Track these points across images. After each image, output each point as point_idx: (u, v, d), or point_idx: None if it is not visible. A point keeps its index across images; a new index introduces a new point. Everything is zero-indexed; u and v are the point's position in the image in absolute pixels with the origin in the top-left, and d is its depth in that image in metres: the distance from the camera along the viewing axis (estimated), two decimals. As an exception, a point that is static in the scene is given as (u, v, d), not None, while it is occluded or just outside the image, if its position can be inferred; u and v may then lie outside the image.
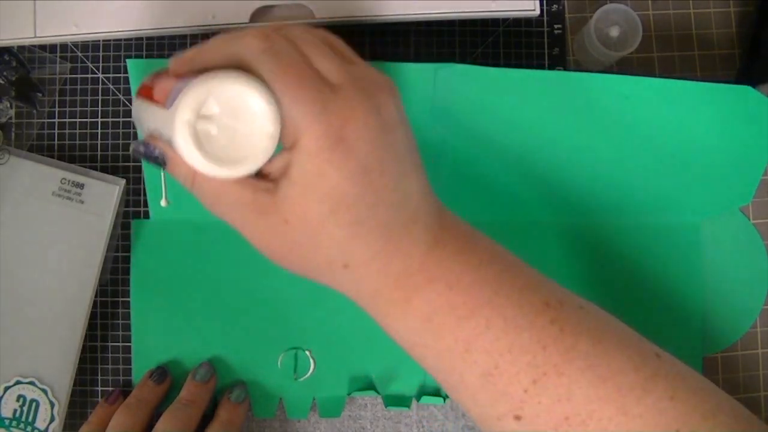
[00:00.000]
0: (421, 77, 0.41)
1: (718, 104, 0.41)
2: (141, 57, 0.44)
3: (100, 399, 0.43)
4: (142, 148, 0.29)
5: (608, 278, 0.43)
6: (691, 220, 0.43)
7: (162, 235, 0.43)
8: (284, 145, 0.26)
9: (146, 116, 0.29)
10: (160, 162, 0.28)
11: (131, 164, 0.44)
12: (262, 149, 0.25)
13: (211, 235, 0.42)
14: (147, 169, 0.42)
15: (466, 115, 0.41)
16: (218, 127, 0.25)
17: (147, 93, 0.30)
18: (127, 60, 0.40)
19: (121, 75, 0.44)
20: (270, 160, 0.26)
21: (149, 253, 0.43)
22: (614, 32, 0.42)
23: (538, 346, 0.26)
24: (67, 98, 0.44)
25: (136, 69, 0.40)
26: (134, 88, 0.41)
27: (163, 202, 0.42)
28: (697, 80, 0.41)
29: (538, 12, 0.44)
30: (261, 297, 0.43)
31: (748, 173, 0.42)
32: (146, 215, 0.43)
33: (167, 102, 0.26)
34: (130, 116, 0.44)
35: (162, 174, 0.42)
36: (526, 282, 0.28)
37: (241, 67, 0.25)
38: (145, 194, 0.43)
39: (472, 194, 0.42)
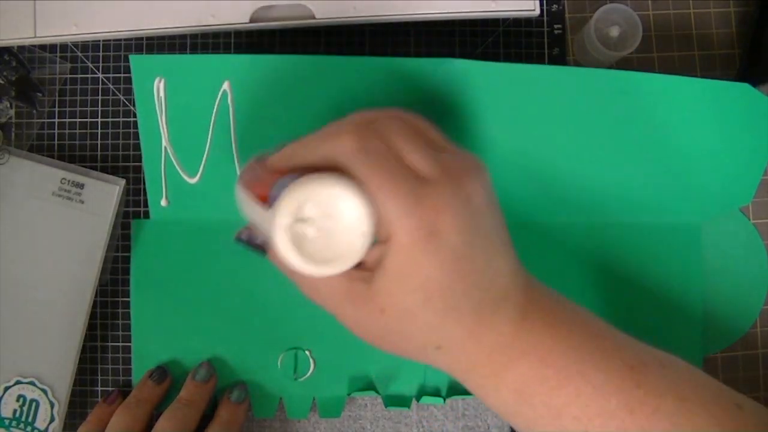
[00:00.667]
0: (422, 73, 0.41)
1: (716, 102, 0.41)
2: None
3: (99, 399, 0.43)
4: (244, 236, 0.31)
5: (608, 278, 0.43)
6: (691, 220, 0.43)
7: (162, 235, 0.43)
8: (379, 238, 0.27)
9: (247, 207, 0.31)
10: (261, 251, 0.31)
11: (131, 164, 0.44)
12: (356, 249, 0.26)
13: (211, 235, 0.42)
14: (147, 168, 0.42)
15: (466, 111, 0.41)
16: (315, 229, 0.26)
17: (245, 182, 0.31)
18: (129, 57, 0.40)
19: (121, 75, 0.44)
20: (367, 252, 0.27)
21: (149, 253, 0.43)
22: (614, 32, 0.42)
23: (625, 411, 0.27)
24: (67, 98, 0.44)
25: (138, 65, 0.41)
26: (137, 85, 0.41)
27: (163, 202, 0.42)
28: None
29: (538, 12, 0.44)
30: (261, 297, 0.43)
31: (748, 173, 0.42)
32: (146, 215, 0.43)
33: (269, 201, 0.28)
34: (130, 116, 0.44)
35: (162, 174, 0.42)
36: (611, 347, 0.29)
37: (336, 167, 0.27)
38: (145, 194, 0.43)
39: None
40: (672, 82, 0.41)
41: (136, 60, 0.41)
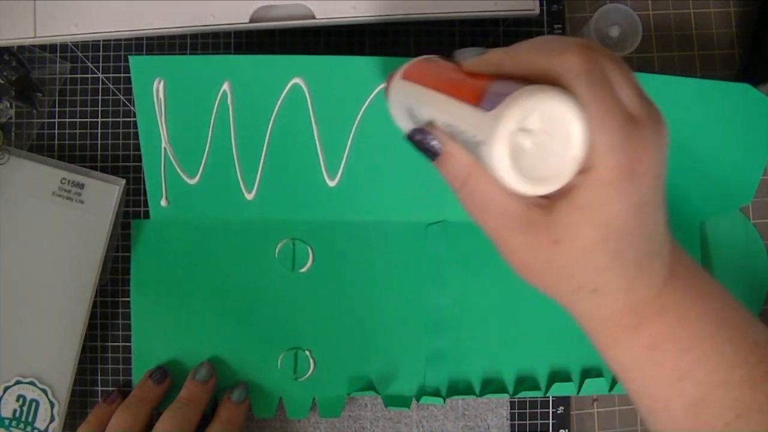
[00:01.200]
0: None
1: (716, 102, 0.41)
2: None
3: (99, 399, 0.43)
4: (419, 136, 0.29)
5: None
6: (691, 219, 0.43)
7: (162, 235, 0.43)
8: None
9: (429, 105, 0.29)
10: (432, 153, 0.28)
11: (131, 164, 0.44)
12: (566, 172, 0.25)
13: (211, 235, 0.42)
14: (147, 169, 0.42)
15: None
16: (532, 143, 0.24)
17: (422, 79, 0.29)
18: (129, 57, 0.40)
19: (121, 75, 0.44)
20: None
21: (149, 253, 0.43)
22: (614, 32, 0.42)
23: (746, 384, 0.27)
24: (67, 98, 0.44)
25: (138, 66, 0.41)
26: (137, 85, 0.41)
27: (163, 202, 0.42)
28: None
29: (538, 12, 0.44)
30: (261, 297, 0.43)
31: (748, 173, 0.42)
32: (146, 215, 0.43)
33: (482, 102, 0.25)
34: (130, 116, 0.44)
35: (162, 173, 0.42)
36: (741, 319, 0.29)
37: (554, 83, 0.25)
38: (145, 194, 0.43)
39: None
40: (671, 83, 0.41)
41: (135, 61, 0.41)
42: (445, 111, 0.28)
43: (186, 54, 0.44)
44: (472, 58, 0.29)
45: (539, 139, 0.24)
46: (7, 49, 0.43)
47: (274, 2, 0.43)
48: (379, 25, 0.44)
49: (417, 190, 0.42)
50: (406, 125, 0.32)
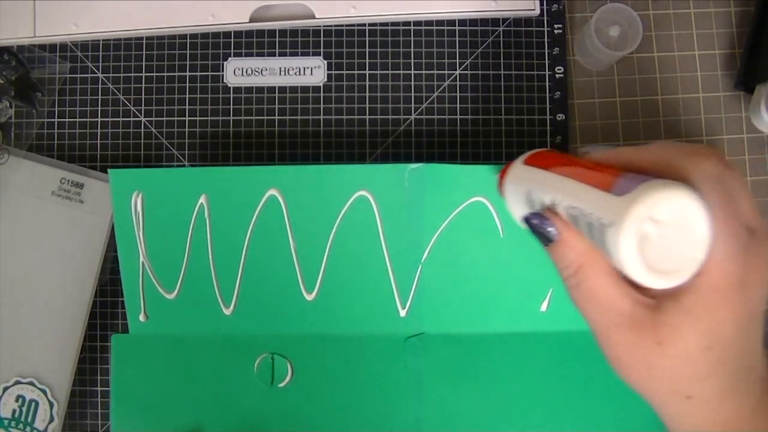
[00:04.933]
0: (394, 177, 0.40)
1: None
2: (140, 64, 0.44)
3: (99, 399, 0.42)
4: (536, 220, 0.30)
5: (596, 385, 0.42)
6: None
7: (141, 350, 0.42)
8: None
9: (553, 189, 0.30)
10: (547, 238, 0.29)
11: (131, 164, 0.44)
12: (684, 271, 0.25)
13: (189, 350, 0.42)
14: (126, 283, 0.41)
15: (439, 215, 0.41)
16: (659, 235, 0.25)
17: (548, 165, 0.30)
18: (108, 171, 0.40)
19: (121, 75, 0.44)
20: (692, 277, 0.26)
21: (129, 367, 0.42)
22: (614, 32, 0.42)
23: None
24: (67, 98, 0.44)
25: (117, 180, 0.40)
26: (115, 198, 0.40)
27: (141, 317, 0.41)
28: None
29: (538, 12, 0.44)
30: (240, 413, 0.42)
31: None
32: (125, 328, 0.42)
33: (614, 189, 0.26)
34: (130, 116, 0.44)
35: (141, 288, 0.41)
36: None
37: (681, 181, 0.26)
38: (123, 306, 0.42)
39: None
40: None
41: (114, 174, 0.40)
42: (571, 194, 0.28)
43: (163, 168, 0.43)
44: (602, 151, 0.29)
45: (665, 232, 0.25)
46: (6, 49, 0.43)
47: (274, 2, 0.43)
48: (379, 25, 0.44)
49: (395, 303, 0.42)
50: (521, 211, 0.32)
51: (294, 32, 0.45)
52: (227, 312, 0.42)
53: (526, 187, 0.32)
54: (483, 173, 0.40)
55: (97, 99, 0.44)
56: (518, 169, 0.33)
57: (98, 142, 0.44)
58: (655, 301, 0.26)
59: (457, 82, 0.45)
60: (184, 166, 0.44)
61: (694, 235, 0.25)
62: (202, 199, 0.41)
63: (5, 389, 0.41)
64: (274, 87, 0.45)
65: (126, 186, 0.40)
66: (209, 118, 0.44)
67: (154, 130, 0.44)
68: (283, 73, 0.45)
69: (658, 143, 0.28)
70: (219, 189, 0.40)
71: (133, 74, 0.44)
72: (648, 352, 0.27)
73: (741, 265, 0.25)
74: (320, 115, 0.44)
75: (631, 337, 0.27)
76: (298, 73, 0.45)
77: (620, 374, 0.29)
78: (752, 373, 0.27)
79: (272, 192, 0.41)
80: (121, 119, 0.44)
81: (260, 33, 0.45)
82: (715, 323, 0.25)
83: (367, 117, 0.45)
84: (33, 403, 0.41)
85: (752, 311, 0.26)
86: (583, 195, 0.28)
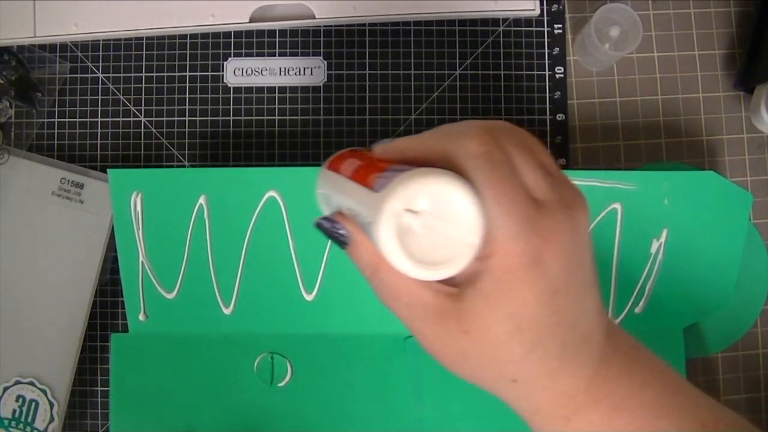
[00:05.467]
0: None
1: (686, 197, 0.41)
2: (140, 64, 0.44)
3: (99, 399, 0.42)
4: (327, 224, 0.29)
5: None
6: (673, 326, 0.42)
7: (141, 350, 0.42)
8: (478, 254, 0.25)
9: (339, 192, 0.29)
10: (342, 242, 0.28)
11: (131, 164, 0.44)
12: (459, 258, 0.24)
13: (189, 349, 0.42)
14: (126, 283, 0.41)
15: None
16: (422, 225, 0.24)
17: (339, 168, 0.29)
18: (108, 171, 0.40)
19: (121, 75, 0.44)
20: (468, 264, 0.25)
21: (128, 366, 0.42)
22: (614, 32, 0.42)
23: None
24: (67, 98, 0.44)
25: (116, 180, 0.40)
26: (115, 198, 0.40)
27: (141, 317, 0.41)
28: (660, 162, 0.41)
29: (538, 12, 0.44)
30: (240, 412, 0.42)
31: (723, 274, 0.41)
32: (125, 328, 0.42)
33: (375, 185, 0.25)
34: (130, 116, 0.44)
35: (140, 288, 0.41)
36: (683, 402, 0.28)
37: (452, 167, 0.25)
38: (123, 306, 0.42)
39: None
40: (633, 178, 0.41)
41: (114, 174, 0.40)
42: (348, 196, 0.28)
43: (163, 168, 0.43)
44: (380, 146, 0.28)
45: (430, 222, 0.24)
46: (6, 49, 0.43)
47: (274, 2, 0.43)
48: (379, 25, 0.44)
49: None
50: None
51: (294, 32, 0.45)
52: (227, 312, 0.42)
53: (326, 191, 0.31)
54: None
55: (97, 99, 0.44)
56: (321, 174, 0.32)
57: (98, 142, 0.44)
58: (457, 289, 0.25)
59: (457, 82, 0.45)
60: (184, 166, 0.44)
61: (464, 220, 0.24)
62: (201, 200, 0.41)
63: (5, 389, 0.41)
64: (274, 87, 0.45)
65: (125, 186, 0.40)
66: (209, 118, 0.44)
67: (154, 130, 0.44)
68: (283, 73, 0.45)
69: (432, 130, 0.27)
70: (218, 189, 0.40)
71: (133, 74, 0.44)
72: (459, 342, 0.26)
73: (529, 242, 0.24)
74: (320, 115, 0.44)
75: (440, 330, 0.26)
76: (298, 73, 0.45)
77: (444, 366, 0.28)
78: (585, 345, 0.27)
79: (272, 193, 0.41)
80: (121, 119, 0.44)
81: (260, 33, 0.45)
82: (517, 305, 0.24)
83: (367, 117, 0.44)
84: (33, 403, 0.41)
85: (557, 285, 0.25)
86: (352, 195, 0.27)
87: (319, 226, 0.29)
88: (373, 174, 0.26)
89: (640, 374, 0.28)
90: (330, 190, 0.30)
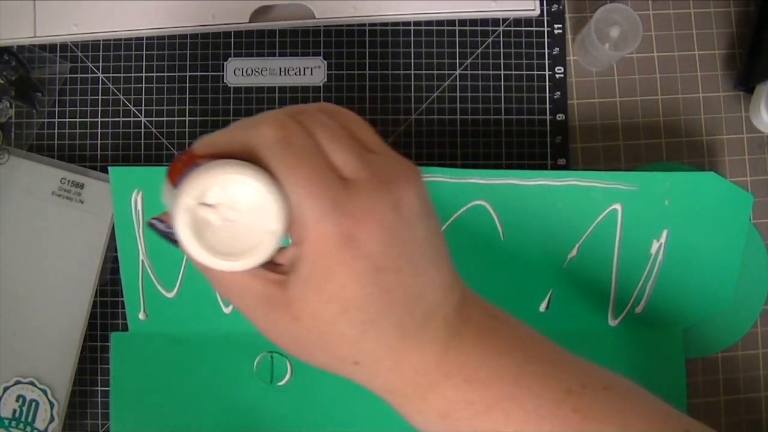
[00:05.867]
0: None
1: (687, 197, 0.41)
2: (140, 64, 0.44)
3: (99, 399, 0.43)
4: (159, 225, 0.28)
5: None
6: (673, 326, 0.42)
7: (141, 349, 0.42)
8: (293, 239, 0.25)
9: (164, 193, 0.29)
10: (173, 241, 0.28)
11: (131, 164, 0.44)
12: (263, 246, 0.24)
13: (188, 348, 0.42)
14: (126, 281, 0.41)
15: (440, 218, 0.41)
16: (220, 218, 0.24)
17: (170, 172, 0.29)
18: (109, 168, 0.40)
19: (121, 75, 0.44)
20: (282, 251, 0.25)
21: (128, 366, 0.42)
22: (614, 32, 0.42)
23: None
24: (67, 98, 0.44)
25: (117, 177, 0.40)
26: (115, 196, 0.40)
27: (141, 315, 0.41)
28: (659, 163, 0.41)
29: (538, 12, 0.44)
30: (239, 411, 0.42)
31: (723, 273, 0.41)
32: (125, 327, 0.42)
33: (176, 182, 0.26)
34: (130, 116, 0.44)
35: (140, 286, 0.41)
36: (547, 369, 0.27)
37: (252, 156, 0.25)
38: (123, 306, 0.42)
39: None
40: (633, 178, 0.41)
41: (115, 172, 0.40)
42: (165, 195, 0.28)
43: (165, 165, 0.43)
44: (197, 142, 0.28)
45: (228, 214, 0.24)
46: (7, 49, 0.43)
47: (274, 2, 0.43)
48: (379, 25, 0.44)
49: None
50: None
51: (294, 32, 0.45)
52: (227, 310, 0.42)
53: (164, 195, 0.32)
54: (485, 176, 0.40)
55: (97, 99, 0.44)
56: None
57: (98, 142, 0.44)
58: (285, 276, 0.25)
59: (457, 82, 0.45)
60: (184, 166, 0.44)
61: (264, 208, 0.24)
62: None
63: (6, 389, 0.41)
64: (274, 87, 0.45)
65: (126, 183, 0.40)
66: (209, 118, 0.44)
67: (154, 130, 0.44)
68: (283, 73, 0.45)
69: (238, 121, 0.26)
70: None
71: (133, 74, 0.44)
72: (292, 329, 0.25)
73: (338, 223, 0.23)
74: (320, 115, 0.44)
75: (274, 318, 0.26)
76: (298, 73, 0.45)
77: (291, 354, 0.27)
78: (432, 320, 0.26)
79: None
80: (121, 119, 0.44)
81: (260, 33, 0.45)
82: (338, 287, 0.24)
83: (367, 117, 0.44)
84: (33, 403, 0.41)
85: (380, 263, 0.24)
86: (165, 193, 0.27)
87: (151, 226, 0.29)
88: (180, 171, 0.26)
89: (496, 344, 0.27)
90: (164, 192, 0.30)
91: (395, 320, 0.25)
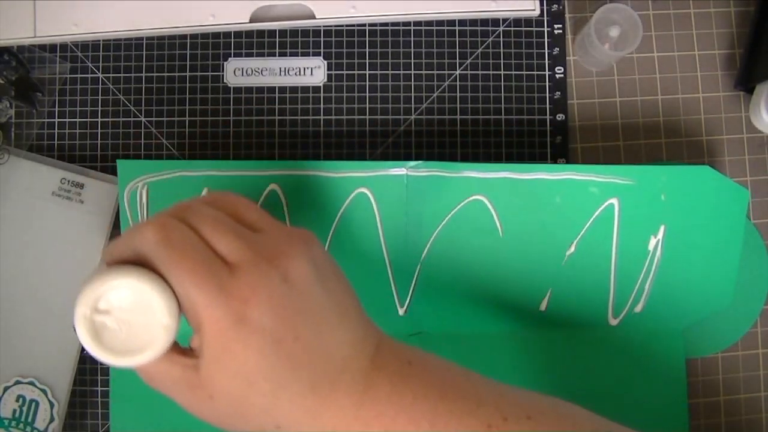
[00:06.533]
0: (393, 174, 0.40)
1: (682, 193, 0.41)
2: (140, 64, 0.44)
3: (99, 399, 0.42)
4: None
5: (588, 387, 0.42)
6: (672, 328, 0.42)
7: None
8: (192, 327, 0.27)
9: None
10: None
11: (131, 164, 0.44)
12: (158, 341, 0.26)
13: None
14: None
15: (438, 213, 0.41)
16: (115, 320, 0.27)
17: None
18: (117, 161, 0.40)
19: (121, 75, 0.44)
20: (193, 338, 0.27)
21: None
22: (614, 32, 0.42)
23: None
24: (67, 98, 0.44)
25: (124, 170, 0.40)
26: (121, 188, 0.40)
27: None
28: (658, 162, 0.41)
29: (538, 12, 0.44)
30: None
31: (722, 272, 0.41)
32: None
33: None
34: (130, 116, 0.44)
35: None
36: (465, 406, 0.28)
37: (140, 259, 0.27)
38: None
39: (455, 306, 0.41)
40: (630, 172, 0.41)
41: (122, 165, 0.40)
42: None
43: (170, 160, 0.42)
44: (103, 249, 0.30)
45: (122, 316, 0.27)
46: (7, 49, 0.43)
47: (274, 2, 0.43)
48: (379, 25, 0.44)
49: (394, 302, 0.41)
50: None
51: (294, 32, 0.45)
52: None
53: None
54: (483, 170, 0.40)
55: (97, 99, 0.44)
56: None
57: (98, 142, 0.44)
58: (196, 360, 0.27)
59: (457, 82, 0.45)
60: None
61: (156, 305, 0.26)
62: (204, 192, 0.41)
63: (5, 389, 0.41)
64: (274, 87, 0.45)
65: (133, 177, 0.40)
66: (209, 118, 0.44)
67: (154, 130, 0.44)
68: (283, 73, 0.45)
69: (127, 229, 0.28)
70: (221, 185, 0.40)
71: (133, 74, 0.44)
72: (210, 406, 0.27)
73: (226, 306, 0.25)
74: (320, 115, 0.45)
75: (193, 399, 0.28)
76: (298, 73, 0.45)
77: (219, 429, 0.29)
78: (344, 375, 0.27)
79: (273, 187, 0.41)
80: (121, 119, 0.44)
81: (260, 33, 0.45)
82: (239, 363, 0.26)
83: (367, 117, 0.45)
84: (33, 403, 0.41)
85: (278, 335, 0.26)
86: None
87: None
88: None
89: (411, 390, 0.28)
90: None
91: (305, 382, 0.26)
